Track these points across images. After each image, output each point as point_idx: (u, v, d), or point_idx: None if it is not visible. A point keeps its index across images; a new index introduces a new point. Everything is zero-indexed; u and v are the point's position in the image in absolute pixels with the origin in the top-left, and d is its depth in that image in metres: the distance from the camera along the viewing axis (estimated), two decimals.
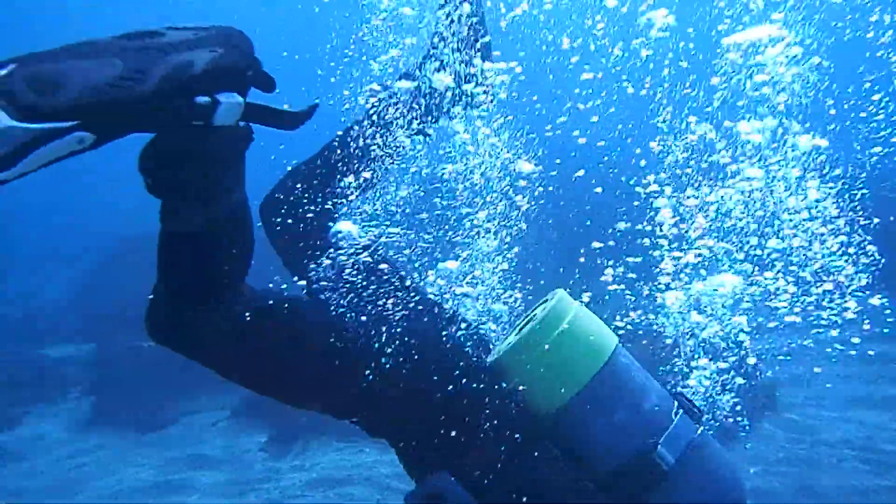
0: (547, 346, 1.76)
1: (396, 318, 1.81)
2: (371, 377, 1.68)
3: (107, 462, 6.44)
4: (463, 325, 1.92)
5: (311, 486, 5.51)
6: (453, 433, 1.70)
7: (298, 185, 1.93)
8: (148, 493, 5.67)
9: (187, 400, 7.41)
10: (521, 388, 1.76)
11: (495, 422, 1.71)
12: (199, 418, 7.26)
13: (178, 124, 1.25)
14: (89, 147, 1.15)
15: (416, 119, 1.95)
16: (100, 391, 7.61)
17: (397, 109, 1.92)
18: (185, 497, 5.58)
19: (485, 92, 1.98)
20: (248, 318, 1.58)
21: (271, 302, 1.64)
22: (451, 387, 1.73)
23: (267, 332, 1.62)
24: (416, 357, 1.73)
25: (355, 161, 1.92)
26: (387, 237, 1.98)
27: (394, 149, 1.93)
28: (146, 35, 1.22)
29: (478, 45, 1.94)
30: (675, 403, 1.82)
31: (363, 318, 1.76)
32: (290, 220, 1.91)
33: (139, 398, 7.35)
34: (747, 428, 5.40)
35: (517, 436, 1.72)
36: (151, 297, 1.53)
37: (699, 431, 1.79)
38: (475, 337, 1.92)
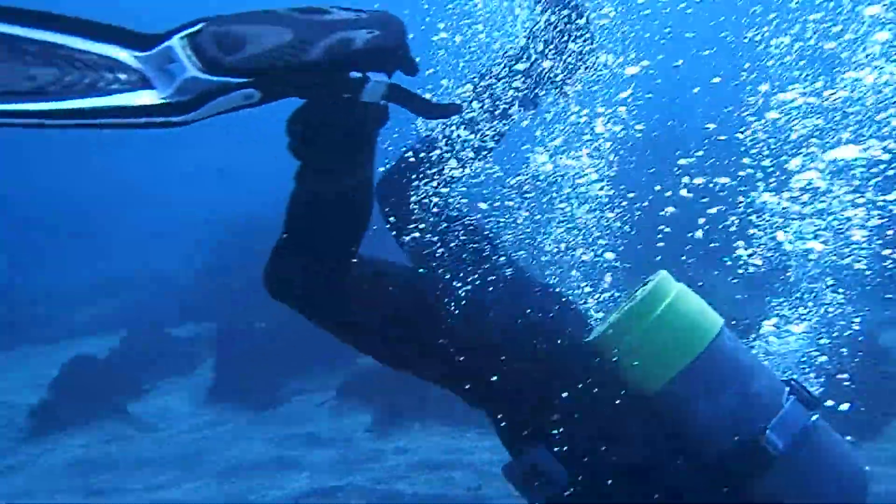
0: (649, 324, 1.72)
1: (501, 292, 1.83)
2: (477, 348, 1.72)
3: (226, 436, 6.86)
4: (565, 302, 1.92)
5: (414, 468, 5.67)
6: (551, 408, 1.71)
7: (412, 165, 1.99)
8: (264, 468, 6.00)
9: (298, 380, 7.78)
10: (622, 366, 1.73)
11: (594, 399, 1.70)
12: (309, 398, 7.60)
13: (330, 95, 1.37)
14: (254, 104, 1.28)
15: (525, 90, 1.96)
16: (220, 369, 8.10)
17: (507, 81, 1.94)
18: (297, 474, 5.87)
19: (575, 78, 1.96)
20: (368, 281, 1.69)
21: (388, 268, 1.75)
22: (552, 362, 1.74)
23: (384, 295, 1.71)
24: (518, 330, 1.76)
25: (469, 138, 1.96)
26: (491, 216, 2.02)
27: (503, 122, 1.96)
28: (315, 11, 1.35)
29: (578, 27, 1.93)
30: (787, 389, 1.73)
31: (470, 290, 1.80)
32: (403, 200, 1.96)
33: (255, 377, 7.78)
34: (878, 425, 5.06)
35: (616, 415, 1.70)
36: (273, 252, 1.64)
37: (814, 419, 1.69)
38: (577, 314, 1.92)
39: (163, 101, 1.19)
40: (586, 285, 2.10)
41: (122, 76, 1.19)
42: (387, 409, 6.68)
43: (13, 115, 1.11)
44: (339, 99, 1.37)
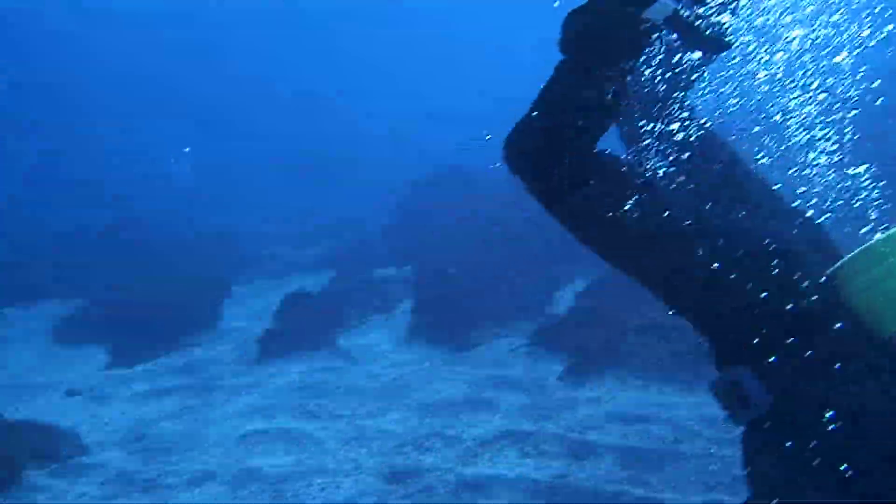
0: (886, 268, 1.63)
1: (743, 215, 1.82)
2: (711, 267, 1.71)
3: (424, 374, 7.22)
4: (808, 229, 1.86)
5: (608, 419, 5.58)
6: (774, 334, 1.68)
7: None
8: (459, 407, 6.24)
9: (493, 325, 7.96)
10: (858, 302, 1.65)
11: (821, 332, 1.65)
12: (502, 343, 7.75)
13: (621, 3, 1.50)
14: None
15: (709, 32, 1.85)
16: (419, 310, 8.50)
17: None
18: (491, 415, 6.04)
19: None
20: (603, 178, 1.75)
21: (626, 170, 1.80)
22: (785, 287, 1.70)
23: (621, 195, 1.76)
24: (756, 252, 1.73)
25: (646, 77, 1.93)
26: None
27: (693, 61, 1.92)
28: None
29: None
30: None
31: (699, 206, 1.81)
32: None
33: (451, 319, 8.07)
34: None
35: (843, 351, 1.64)
36: (518, 126, 1.75)
37: None
38: (820, 242, 1.85)
39: None
40: (846, 216, 1.97)
41: None
42: (580, 358, 6.63)
43: None
44: (626, 8, 1.47)
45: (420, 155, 14.52)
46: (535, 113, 1.71)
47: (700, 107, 1.99)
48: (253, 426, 6.09)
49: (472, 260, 9.43)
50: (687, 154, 1.87)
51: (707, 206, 1.81)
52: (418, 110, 20.95)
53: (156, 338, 8.01)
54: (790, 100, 1.96)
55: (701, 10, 1.79)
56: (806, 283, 1.70)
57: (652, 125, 1.91)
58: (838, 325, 1.64)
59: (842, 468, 1.56)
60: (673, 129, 1.90)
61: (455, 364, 7.38)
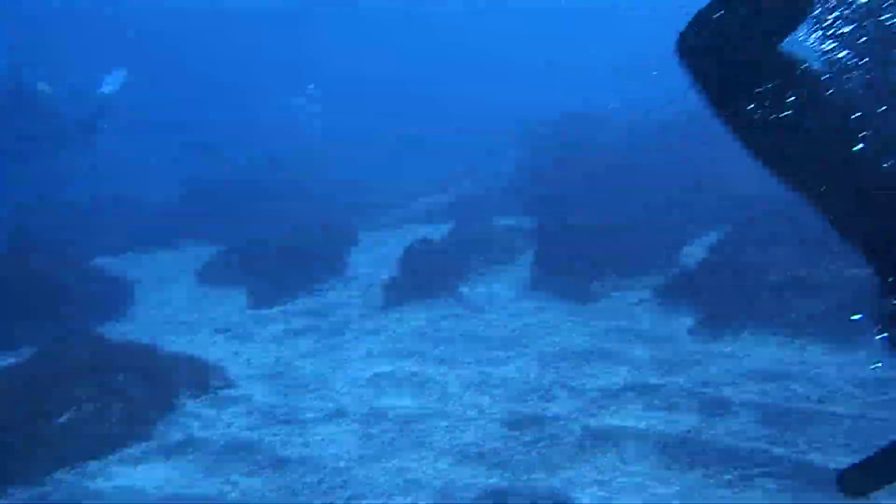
0: None
1: None
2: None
3: (546, 323, 7.18)
4: None
5: (744, 376, 5.33)
6: None
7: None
8: (584, 357, 6.18)
9: (618, 276, 7.76)
10: None
11: None
12: (628, 295, 7.56)
13: None
14: None
15: None
16: (540, 260, 8.42)
17: None
18: (615, 367, 5.93)
19: None
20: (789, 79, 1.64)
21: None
22: None
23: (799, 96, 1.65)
24: None
25: None
26: None
27: None
28: None
29: None
30: None
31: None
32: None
33: (574, 270, 7.95)
34: None
35: None
36: (698, 17, 1.67)
37: None
38: None
39: None
40: None
41: None
42: (713, 311, 6.34)
43: None
44: None
45: (544, 102, 14.22)
46: (714, 4, 1.62)
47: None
48: (380, 368, 6.32)
49: (598, 209, 9.19)
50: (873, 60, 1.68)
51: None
52: (541, 60, 20.47)
53: (289, 282, 8.44)
54: None
55: None
56: None
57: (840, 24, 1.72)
58: None
59: None
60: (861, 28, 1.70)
61: (578, 315, 7.29)
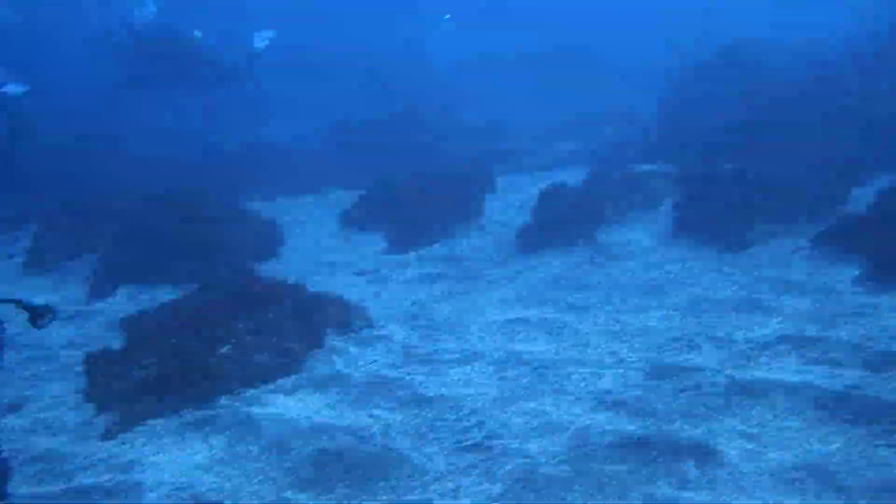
0: None
1: None
2: None
3: (690, 272, 6.86)
4: None
5: None
6: None
7: None
8: (730, 308, 5.86)
9: (771, 223, 7.25)
10: None
11: None
12: (782, 243, 7.04)
13: None
14: None
15: None
16: (684, 206, 8.01)
17: None
18: (767, 318, 5.58)
19: None
20: None
21: None
22: None
23: None
24: None
25: None
26: None
27: None
28: None
29: None
30: None
31: None
32: None
33: (721, 217, 7.50)
34: None
35: None
36: None
37: None
38: None
39: None
40: None
41: None
42: (882, 260, 5.76)
43: None
44: None
45: (690, 43, 13.33)
46: None
47: None
48: (514, 314, 6.32)
49: (746, 153, 8.58)
50: None
51: None
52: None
53: (425, 227, 8.58)
54: None
55: None
56: None
57: None
58: None
59: None
60: None
61: (725, 264, 6.90)
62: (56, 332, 6.42)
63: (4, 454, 2.31)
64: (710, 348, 5.20)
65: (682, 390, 4.60)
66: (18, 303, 2.25)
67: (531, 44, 16.56)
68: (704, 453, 3.85)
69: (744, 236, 7.23)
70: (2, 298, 2.22)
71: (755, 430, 4.02)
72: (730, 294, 6.18)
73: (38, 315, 2.24)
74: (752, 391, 4.44)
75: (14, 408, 5.20)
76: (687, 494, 3.56)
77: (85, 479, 4.22)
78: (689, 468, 3.75)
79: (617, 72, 14.97)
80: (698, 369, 4.84)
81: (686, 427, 4.15)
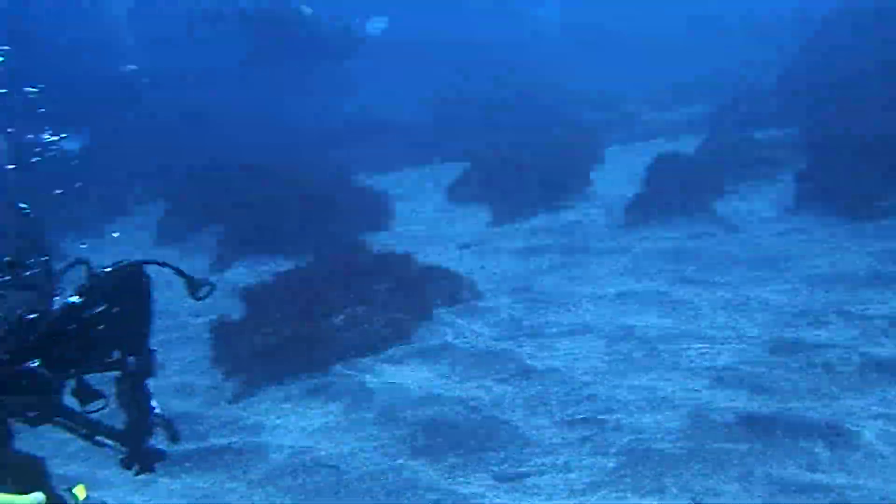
0: None
1: None
2: None
3: (815, 244, 6.44)
4: None
5: None
6: None
7: None
8: (864, 281, 5.48)
9: None
10: None
11: None
12: None
13: None
14: None
15: None
16: (808, 175, 7.51)
17: None
18: None
19: None
20: None
21: None
22: None
23: None
24: None
25: None
26: None
27: None
28: None
29: None
30: None
31: None
32: None
33: (849, 185, 6.97)
34: None
35: None
36: None
37: None
38: None
39: None
40: None
41: None
42: None
43: None
44: None
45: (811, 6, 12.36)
46: None
47: None
48: (626, 287, 6.15)
49: (878, 116, 7.89)
50: None
51: None
52: None
53: (531, 199, 8.47)
54: None
55: None
56: None
57: None
58: None
59: None
60: None
61: (855, 235, 6.44)
62: (184, 301, 6.83)
63: (166, 414, 2.50)
64: (841, 324, 4.88)
65: (810, 367, 4.34)
66: (181, 273, 2.39)
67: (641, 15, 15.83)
68: (837, 434, 3.63)
69: (879, 205, 6.70)
70: (171, 266, 2.38)
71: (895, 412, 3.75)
72: (863, 266, 5.76)
73: (196, 286, 2.38)
74: (889, 370, 4.13)
75: None
76: (817, 476, 3.37)
77: (216, 440, 4.50)
78: (820, 449, 3.55)
79: (734, 33, 14.09)
80: (828, 346, 4.56)
81: (816, 406, 3.92)
